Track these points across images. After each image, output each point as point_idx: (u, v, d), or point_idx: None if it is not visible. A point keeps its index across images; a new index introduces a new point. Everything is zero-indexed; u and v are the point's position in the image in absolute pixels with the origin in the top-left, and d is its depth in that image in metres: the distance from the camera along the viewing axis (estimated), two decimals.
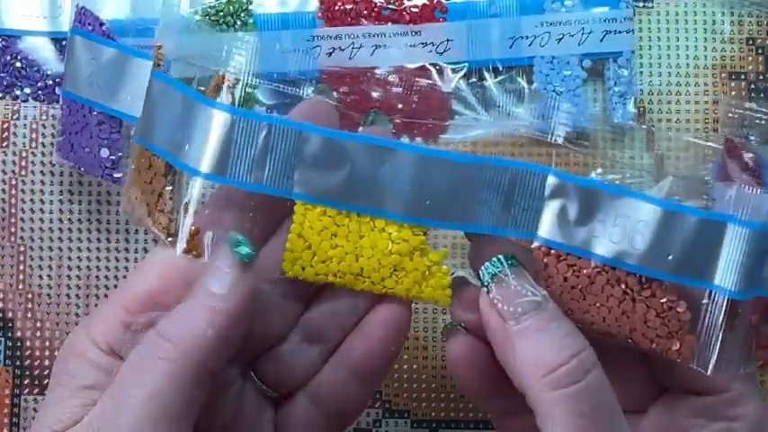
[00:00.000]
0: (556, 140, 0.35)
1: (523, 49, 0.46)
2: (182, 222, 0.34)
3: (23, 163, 0.47)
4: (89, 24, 0.43)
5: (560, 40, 0.46)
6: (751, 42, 0.47)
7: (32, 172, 0.47)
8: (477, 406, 0.44)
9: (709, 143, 0.38)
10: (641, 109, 0.47)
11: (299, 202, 0.33)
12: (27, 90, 0.47)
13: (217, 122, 0.33)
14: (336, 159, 0.33)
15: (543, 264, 0.33)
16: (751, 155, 0.38)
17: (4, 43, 0.47)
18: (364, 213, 0.33)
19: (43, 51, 0.47)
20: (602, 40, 0.46)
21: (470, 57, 0.46)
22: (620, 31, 0.46)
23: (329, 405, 0.35)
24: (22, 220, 0.47)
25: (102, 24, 0.43)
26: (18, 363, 0.46)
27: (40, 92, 0.47)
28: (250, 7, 0.46)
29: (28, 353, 0.47)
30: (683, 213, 0.32)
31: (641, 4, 0.47)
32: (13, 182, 0.47)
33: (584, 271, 0.33)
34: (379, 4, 0.46)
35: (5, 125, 0.47)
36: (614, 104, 0.46)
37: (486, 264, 0.33)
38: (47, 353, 0.46)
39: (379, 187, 0.33)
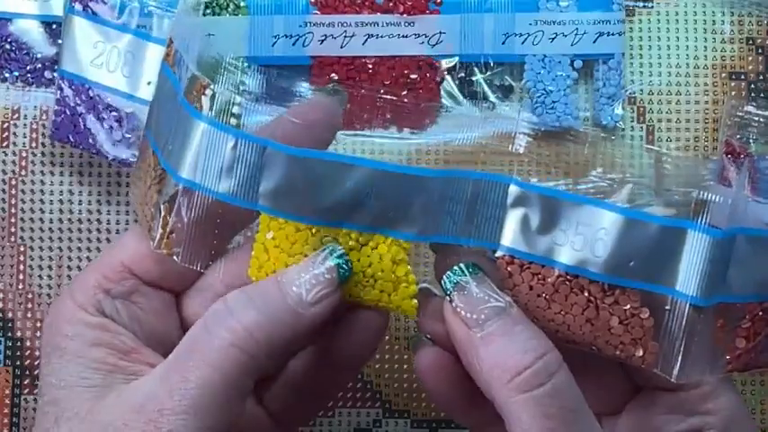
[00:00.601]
0: (517, 150, 0.35)
1: (516, 46, 0.46)
2: (158, 219, 0.34)
3: (23, 163, 0.47)
4: (88, 5, 0.42)
5: (553, 39, 0.46)
6: (751, 42, 0.47)
7: (32, 172, 0.47)
8: (453, 419, 0.44)
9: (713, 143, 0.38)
10: (641, 109, 0.47)
11: (264, 214, 0.33)
12: (16, 73, 0.47)
13: (194, 129, 0.33)
14: (299, 175, 0.33)
15: (507, 272, 0.33)
16: (747, 158, 0.38)
17: None
18: (327, 226, 0.33)
19: (33, 34, 0.47)
20: (594, 42, 0.46)
21: (462, 51, 0.46)
22: (611, 34, 0.46)
23: (304, 390, 0.36)
24: (22, 220, 0.47)
25: (105, 3, 0.43)
26: (18, 363, 0.46)
27: (29, 75, 0.47)
28: None
29: (28, 353, 0.47)
30: (643, 220, 0.33)
31: (641, 4, 0.47)
32: (13, 182, 0.47)
33: (549, 279, 0.33)
34: None
35: (5, 125, 0.47)
36: (602, 106, 0.46)
37: (448, 272, 0.33)
38: None
39: (344, 201, 0.33)
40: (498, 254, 0.33)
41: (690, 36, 0.47)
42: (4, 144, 0.47)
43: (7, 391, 0.46)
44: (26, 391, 0.46)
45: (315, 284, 0.32)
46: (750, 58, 0.47)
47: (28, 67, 0.47)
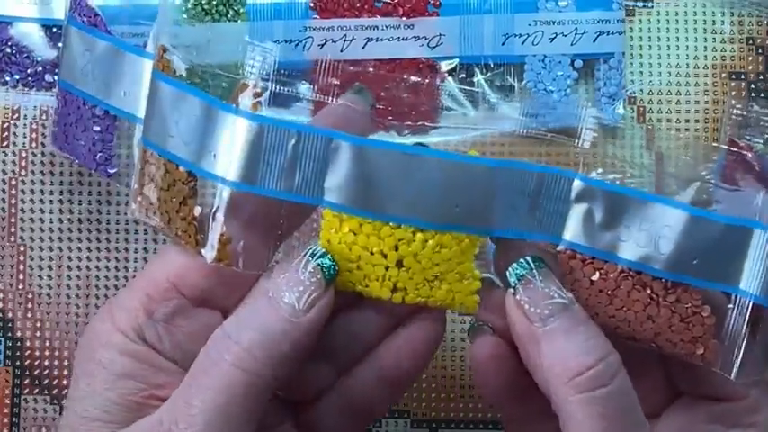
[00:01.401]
0: (583, 145, 0.35)
1: (516, 47, 0.46)
2: (210, 230, 0.33)
3: (23, 163, 0.47)
4: (84, 15, 0.42)
5: (553, 39, 0.46)
6: (751, 42, 0.47)
7: (32, 172, 0.47)
8: (495, 409, 0.44)
9: (714, 144, 0.38)
10: (641, 109, 0.47)
11: (329, 210, 0.33)
12: (16, 77, 0.47)
13: (243, 131, 0.32)
14: (365, 167, 0.32)
15: (569, 267, 0.33)
16: (755, 156, 0.38)
17: None
18: (393, 222, 0.33)
19: (33, 38, 0.47)
20: (594, 41, 0.46)
21: (462, 52, 0.46)
22: (612, 33, 0.46)
23: (356, 409, 0.35)
24: (22, 220, 0.47)
25: (96, 15, 0.42)
26: (18, 363, 0.46)
27: (29, 78, 0.47)
28: None
29: (28, 353, 0.46)
30: (709, 219, 0.33)
31: (641, 4, 0.47)
32: (13, 182, 0.47)
33: (611, 275, 0.33)
34: None
35: (5, 125, 0.47)
36: (603, 105, 0.46)
37: (514, 265, 0.33)
38: (47, 353, 0.46)
39: (408, 194, 0.32)
40: (560, 248, 0.33)
41: (690, 36, 0.47)
42: (4, 144, 0.47)
43: (7, 391, 0.46)
44: (26, 391, 0.46)
45: (303, 290, 0.32)
46: (750, 58, 0.47)
47: (28, 71, 0.47)
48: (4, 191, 0.47)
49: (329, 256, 0.32)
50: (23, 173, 0.47)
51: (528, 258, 0.33)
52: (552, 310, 0.32)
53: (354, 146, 0.32)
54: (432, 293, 0.34)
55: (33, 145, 0.47)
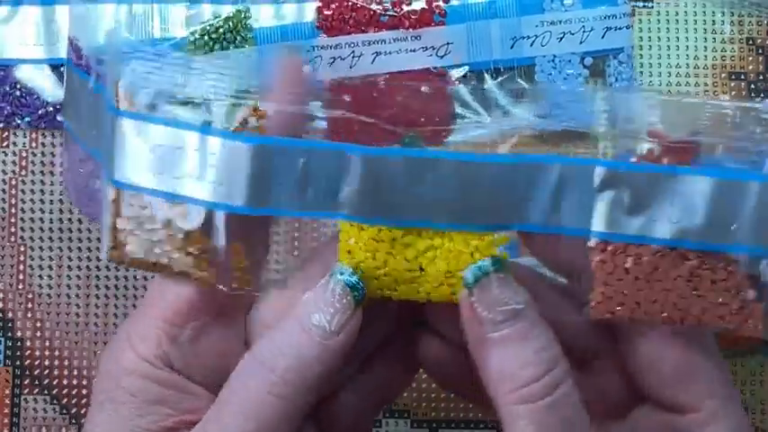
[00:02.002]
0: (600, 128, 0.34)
1: (525, 50, 0.46)
2: (228, 262, 0.33)
3: (23, 163, 0.47)
4: (76, 56, 0.42)
5: (561, 38, 0.46)
6: (751, 42, 0.47)
7: (32, 172, 0.47)
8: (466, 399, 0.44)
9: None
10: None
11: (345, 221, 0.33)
12: (27, 119, 0.47)
13: (247, 154, 0.32)
14: (378, 176, 0.32)
15: (600, 261, 0.32)
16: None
17: (2, 73, 0.47)
18: (413, 226, 0.32)
19: (41, 79, 0.47)
20: (602, 38, 0.46)
21: (471, 59, 0.46)
22: (619, 28, 0.46)
23: (374, 398, 0.36)
24: (22, 220, 0.47)
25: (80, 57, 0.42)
26: (18, 363, 0.46)
27: (40, 120, 0.47)
28: (248, 22, 0.46)
29: (28, 353, 0.46)
30: (741, 180, 0.32)
31: (641, 5, 0.47)
32: (13, 182, 0.47)
33: (645, 258, 0.32)
34: (377, 11, 0.46)
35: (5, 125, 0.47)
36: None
37: (472, 267, 0.32)
38: (47, 353, 0.46)
39: (425, 199, 0.32)
40: (591, 242, 0.32)
41: (690, 36, 0.47)
42: (4, 144, 0.47)
43: (7, 391, 0.46)
44: (26, 391, 0.46)
45: (334, 313, 0.31)
46: (750, 58, 0.47)
47: (39, 112, 0.47)
48: (4, 191, 0.47)
49: (357, 275, 0.32)
50: (23, 173, 0.47)
51: (487, 261, 0.32)
52: (505, 315, 0.31)
53: (364, 155, 0.32)
54: (456, 291, 0.33)
55: (33, 145, 0.47)
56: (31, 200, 0.47)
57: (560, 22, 0.46)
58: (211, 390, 0.33)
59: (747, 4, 0.47)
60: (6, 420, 0.46)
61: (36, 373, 0.46)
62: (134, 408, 0.32)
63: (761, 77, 0.47)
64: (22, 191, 0.47)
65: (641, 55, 0.47)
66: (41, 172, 0.47)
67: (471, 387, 0.34)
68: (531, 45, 0.46)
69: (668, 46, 0.47)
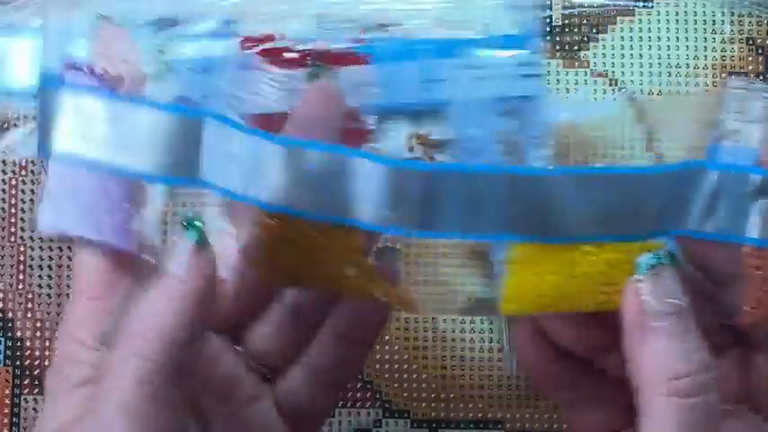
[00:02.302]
0: None
1: (439, 93, 0.45)
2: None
3: (23, 163, 0.47)
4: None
5: (476, 83, 0.45)
6: (751, 42, 0.47)
7: (32, 172, 0.47)
8: (543, 395, 0.45)
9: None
10: (641, 108, 0.47)
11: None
12: None
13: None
14: (535, 195, 0.33)
15: (755, 267, 0.33)
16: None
17: None
18: (573, 242, 0.33)
19: None
20: (515, 84, 0.45)
21: (387, 100, 0.45)
22: (531, 75, 0.45)
23: (325, 375, 0.36)
24: (22, 220, 0.47)
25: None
26: (18, 363, 0.46)
27: None
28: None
29: (28, 353, 0.46)
30: None
31: (641, 5, 0.47)
32: (13, 182, 0.47)
33: None
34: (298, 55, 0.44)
35: (5, 125, 0.47)
36: (528, 148, 0.46)
37: (649, 254, 0.32)
38: (47, 353, 0.46)
39: (583, 212, 0.33)
40: (746, 249, 0.33)
41: (690, 36, 0.47)
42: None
43: (7, 391, 0.46)
44: (26, 391, 0.46)
45: (170, 252, 0.31)
46: (750, 59, 0.47)
47: None
48: (4, 191, 0.47)
49: (198, 221, 0.32)
50: (23, 173, 0.47)
51: (665, 251, 0.32)
52: (669, 309, 0.32)
53: (520, 176, 0.33)
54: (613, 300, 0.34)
55: None
56: (31, 200, 0.47)
57: (475, 66, 0.45)
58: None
59: (747, 3, 0.47)
60: (6, 420, 0.46)
61: (36, 373, 0.46)
62: (64, 390, 0.32)
63: (761, 77, 0.47)
64: (22, 191, 0.47)
65: (641, 55, 0.47)
66: (42, 172, 0.47)
67: (564, 379, 0.35)
68: (446, 88, 0.45)
69: (668, 46, 0.47)
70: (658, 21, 0.47)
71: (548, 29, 0.48)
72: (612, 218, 0.33)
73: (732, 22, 0.47)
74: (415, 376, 0.46)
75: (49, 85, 0.35)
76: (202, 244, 0.31)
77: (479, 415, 0.46)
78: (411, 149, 0.34)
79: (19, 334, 0.47)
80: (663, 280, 0.32)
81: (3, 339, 0.47)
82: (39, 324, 0.47)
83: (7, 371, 0.46)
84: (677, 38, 0.47)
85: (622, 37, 0.47)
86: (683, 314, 0.32)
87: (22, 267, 0.47)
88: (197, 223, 0.32)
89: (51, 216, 0.34)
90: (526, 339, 0.35)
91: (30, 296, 0.47)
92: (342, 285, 0.34)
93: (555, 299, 0.33)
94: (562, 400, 0.37)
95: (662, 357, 0.31)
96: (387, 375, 0.46)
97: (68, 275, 0.47)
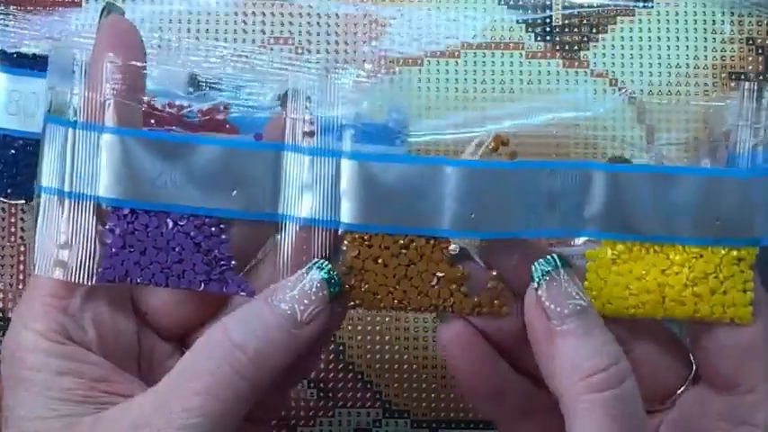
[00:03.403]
0: None
1: None
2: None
3: None
4: None
5: None
6: (751, 42, 0.47)
7: None
8: (478, 408, 0.44)
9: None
10: (641, 108, 0.47)
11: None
12: None
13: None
14: (623, 192, 0.33)
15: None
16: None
17: None
18: (657, 242, 0.34)
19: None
20: None
21: None
22: None
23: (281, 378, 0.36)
24: (22, 219, 0.47)
25: None
26: None
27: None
28: None
29: None
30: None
31: (641, 5, 0.47)
32: None
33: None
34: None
35: None
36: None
37: (541, 261, 0.33)
38: None
39: (668, 214, 0.34)
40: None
41: (690, 36, 0.47)
42: None
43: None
44: None
45: (308, 304, 0.32)
46: (750, 59, 0.47)
47: None
48: None
49: (334, 272, 0.33)
50: None
51: (555, 256, 0.33)
52: (572, 310, 0.32)
53: (610, 173, 0.33)
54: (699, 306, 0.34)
55: None
56: (31, 200, 0.47)
57: None
58: (110, 358, 0.33)
59: (747, 4, 0.47)
60: None
61: None
62: (41, 381, 0.32)
63: (761, 77, 0.47)
64: None
65: (641, 55, 0.47)
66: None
67: (490, 385, 0.35)
68: None
69: (668, 46, 0.47)
70: (658, 21, 0.47)
71: (548, 29, 0.48)
72: (697, 219, 0.33)
73: (732, 22, 0.47)
74: (415, 376, 0.46)
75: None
76: (334, 297, 0.33)
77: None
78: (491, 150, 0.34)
79: None
80: (560, 283, 0.32)
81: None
82: None
83: None
84: (677, 38, 0.47)
85: (622, 37, 0.47)
86: (586, 312, 0.32)
87: (21, 267, 0.47)
88: (336, 276, 0.33)
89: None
90: (457, 341, 0.34)
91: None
92: (435, 297, 0.34)
93: (639, 303, 0.34)
94: (495, 413, 0.36)
95: (573, 358, 0.31)
96: (387, 375, 0.46)
97: None
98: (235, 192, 0.33)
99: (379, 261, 0.33)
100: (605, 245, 0.34)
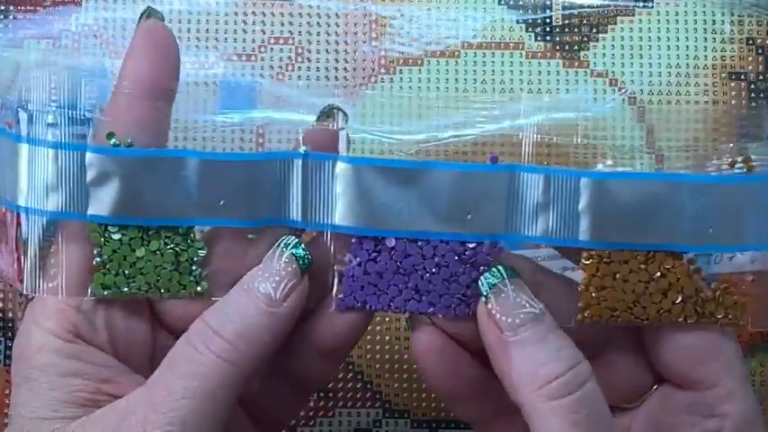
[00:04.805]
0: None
1: None
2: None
3: None
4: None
5: None
6: (751, 42, 0.47)
7: None
8: (452, 411, 0.44)
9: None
10: (641, 109, 0.47)
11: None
12: None
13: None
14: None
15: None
16: None
17: None
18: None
19: None
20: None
21: None
22: None
23: (294, 382, 0.36)
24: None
25: None
26: None
27: None
28: None
29: None
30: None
31: (641, 5, 0.47)
32: None
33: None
34: None
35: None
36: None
37: (486, 274, 0.33)
38: None
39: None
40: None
41: (690, 36, 0.47)
42: None
43: (7, 391, 0.46)
44: None
45: (279, 280, 0.32)
46: (750, 58, 0.47)
47: None
48: None
49: (301, 246, 0.33)
50: None
51: (500, 267, 0.33)
52: (523, 319, 0.32)
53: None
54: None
55: None
56: None
57: None
58: (122, 359, 0.33)
59: (747, 4, 0.47)
60: (6, 421, 0.46)
61: None
62: (46, 382, 0.32)
63: (761, 77, 0.47)
64: None
65: (641, 55, 0.47)
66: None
67: (465, 388, 0.35)
68: None
69: (668, 46, 0.47)
70: (658, 21, 0.47)
71: (548, 29, 0.48)
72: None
73: (732, 22, 0.47)
74: (414, 376, 0.46)
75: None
76: (306, 269, 0.33)
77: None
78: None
79: None
80: (507, 294, 0.32)
81: (3, 339, 0.47)
82: None
83: (7, 371, 0.46)
84: (677, 38, 0.47)
85: (622, 37, 0.47)
86: (538, 319, 0.32)
87: None
88: (303, 251, 0.33)
89: None
90: (429, 347, 0.34)
91: (30, 296, 0.47)
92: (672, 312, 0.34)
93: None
94: (471, 415, 0.37)
95: (529, 366, 0.31)
96: (387, 375, 0.46)
97: None
98: (470, 215, 0.33)
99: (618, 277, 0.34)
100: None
